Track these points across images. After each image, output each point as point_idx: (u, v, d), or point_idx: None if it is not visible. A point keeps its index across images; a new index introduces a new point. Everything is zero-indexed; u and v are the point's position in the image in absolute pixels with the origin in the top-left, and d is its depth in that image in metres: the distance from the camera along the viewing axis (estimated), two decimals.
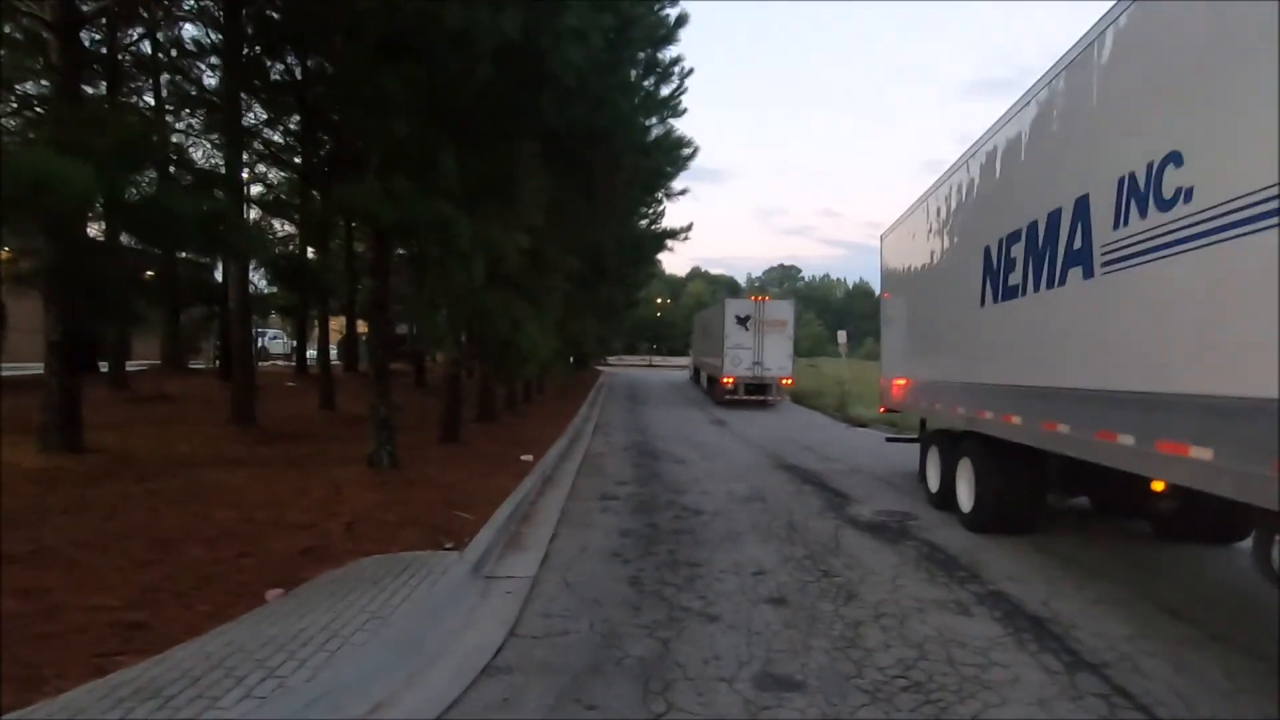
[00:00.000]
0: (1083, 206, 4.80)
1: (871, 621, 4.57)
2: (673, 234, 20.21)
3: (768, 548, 6.33)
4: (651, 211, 20.41)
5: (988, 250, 6.50)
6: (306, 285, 13.48)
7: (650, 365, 64.10)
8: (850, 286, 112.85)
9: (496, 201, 7.91)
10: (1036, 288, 5.45)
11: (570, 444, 13.56)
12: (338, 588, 4.47)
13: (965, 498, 7.30)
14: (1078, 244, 4.86)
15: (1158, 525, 6.90)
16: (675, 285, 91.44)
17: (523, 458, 10.37)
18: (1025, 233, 5.66)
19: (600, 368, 53.11)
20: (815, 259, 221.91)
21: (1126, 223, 4.30)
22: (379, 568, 4.90)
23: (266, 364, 26.84)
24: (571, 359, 40.13)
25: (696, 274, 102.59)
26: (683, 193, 14.27)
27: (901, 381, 10.08)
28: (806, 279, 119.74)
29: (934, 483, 8.39)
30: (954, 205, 7.52)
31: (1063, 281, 5.09)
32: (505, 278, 12.03)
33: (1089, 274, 4.79)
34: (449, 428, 10.79)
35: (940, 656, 4.05)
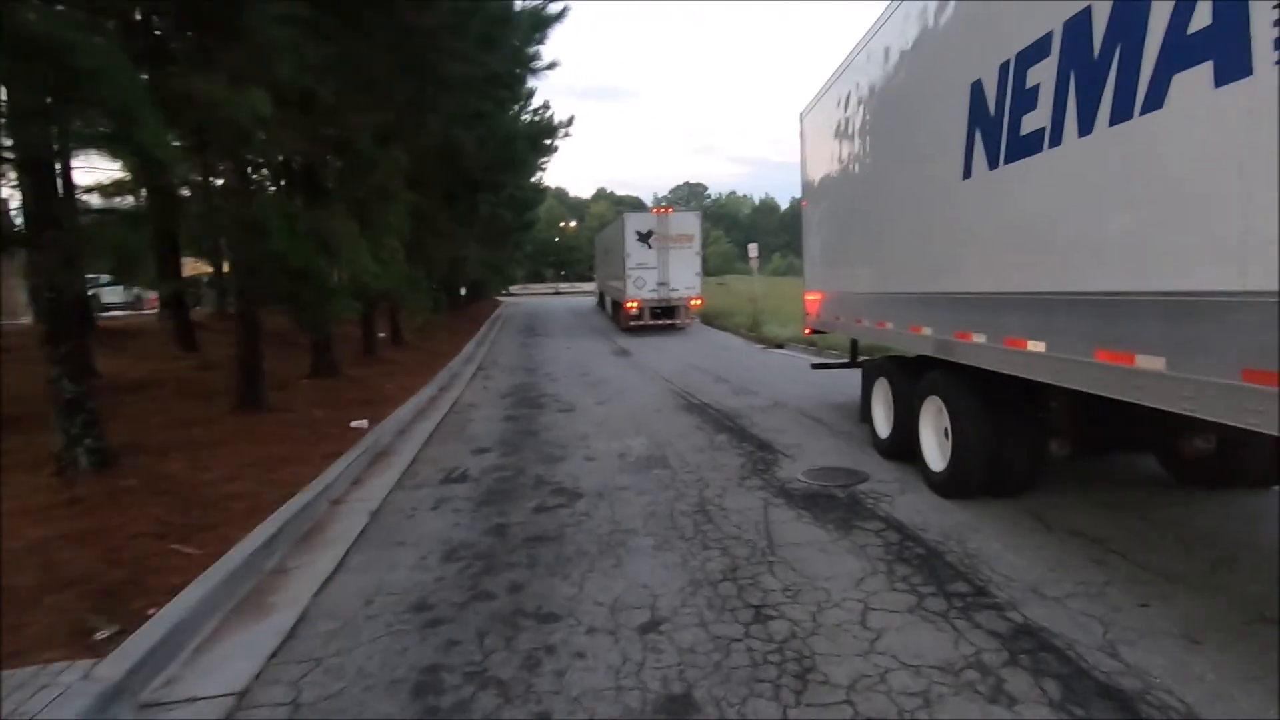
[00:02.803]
0: None
1: None
2: (551, 130, 17.06)
3: (667, 562, 4.16)
4: (524, 106, 17.13)
5: (977, 88, 4.28)
6: None
7: (556, 293, 60.88)
8: (757, 202, 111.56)
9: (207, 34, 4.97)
10: (1085, 130, 3.27)
11: (437, 395, 11.00)
12: None
13: (935, 452, 5.36)
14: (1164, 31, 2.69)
15: (1184, 470, 5.22)
16: (579, 207, 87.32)
17: (354, 424, 7.78)
18: (1061, 34, 3.43)
19: (500, 299, 49.65)
20: (722, 177, 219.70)
21: None
22: None
23: None
24: (463, 291, 36.76)
25: (601, 195, 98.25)
26: (550, 67, 11.34)
27: (833, 295, 8.02)
28: (714, 196, 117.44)
29: (883, 426, 6.46)
30: (916, 34, 5.21)
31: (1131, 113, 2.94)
32: (311, 184, 9.00)
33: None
34: (248, 390, 7.97)
35: None
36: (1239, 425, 2.47)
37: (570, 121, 16.67)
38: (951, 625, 3.29)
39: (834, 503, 5.15)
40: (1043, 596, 3.54)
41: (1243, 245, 2.42)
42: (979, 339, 4.43)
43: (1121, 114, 3.00)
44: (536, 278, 71.99)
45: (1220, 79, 2.49)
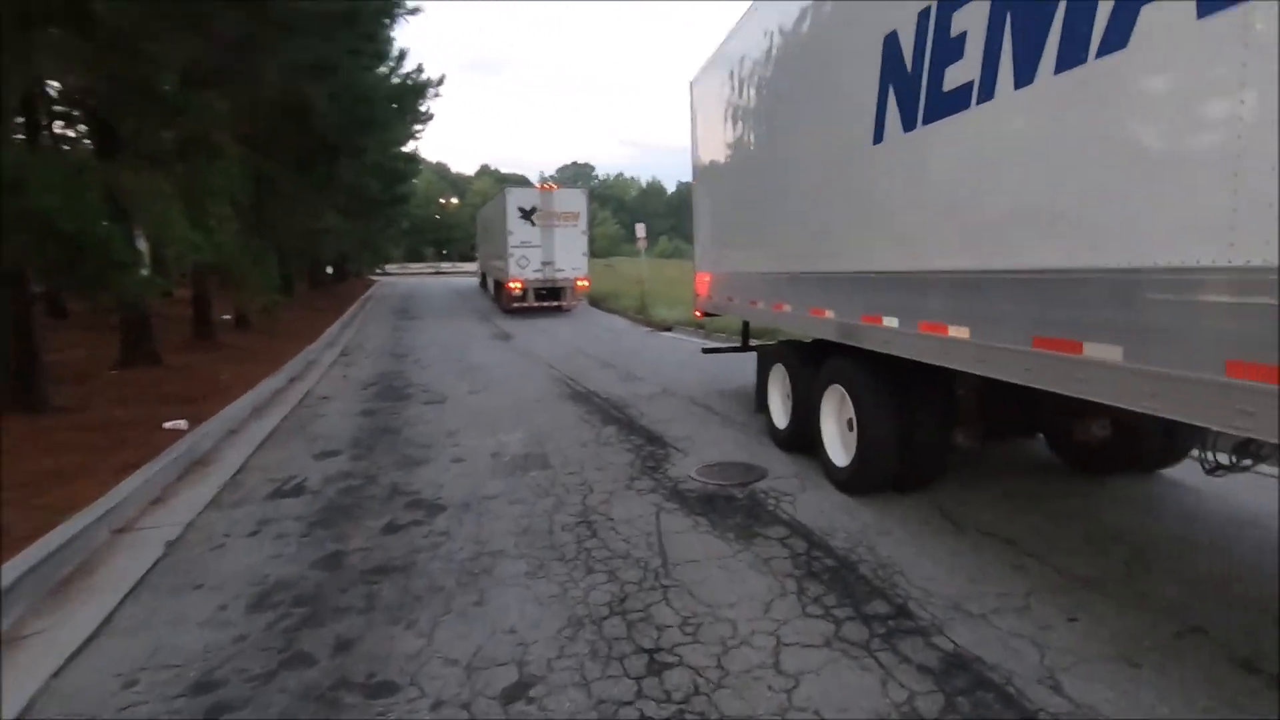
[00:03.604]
0: None
1: None
2: (419, 90, 15.38)
3: (542, 594, 3.43)
4: (394, 70, 15.41)
5: (892, 41, 3.78)
6: None
7: (437, 273, 57.85)
8: (644, 185, 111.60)
9: None
10: (1024, 80, 2.81)
11: (285, 386, 9.59)
12: None
13: (838, 445, 4.95)
14: None
15: (1075, 455, 5.12)
16: (460, 183, 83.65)
17: (168, 425, 6.44)
18: None
19: (374, 278, 46.46)
20: (610, 159, 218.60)
21: None
22: None
23: None
24: (329, 269, 33.86)
25: (485, 172, 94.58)
26: (413, 12, 10.05)
27: (725, 276, 7.53)
28: (601, 178, 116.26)
29: (781, 416, 6.03)
30: None
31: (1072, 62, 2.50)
32: (105, 133, 7.35)
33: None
34: (19, 386, 6.38)
35: None
36: (1222, 429, 2.07)
37: (441, 81, 15.09)
38: (876, 661, 2.79)
39: (733, 505, 4.61)
40: (968, 615, 3.13)
41: (1230, 213, 1.99)
42: (890, 323, 3.99)
43: (1072, 59, 2.54)
44: (415, 256, 68.23)
45: (1206, 7, 2.04)
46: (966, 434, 4.61)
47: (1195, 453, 3.81)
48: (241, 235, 9.46)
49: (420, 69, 16.48)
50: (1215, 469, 3.63)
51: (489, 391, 8.96)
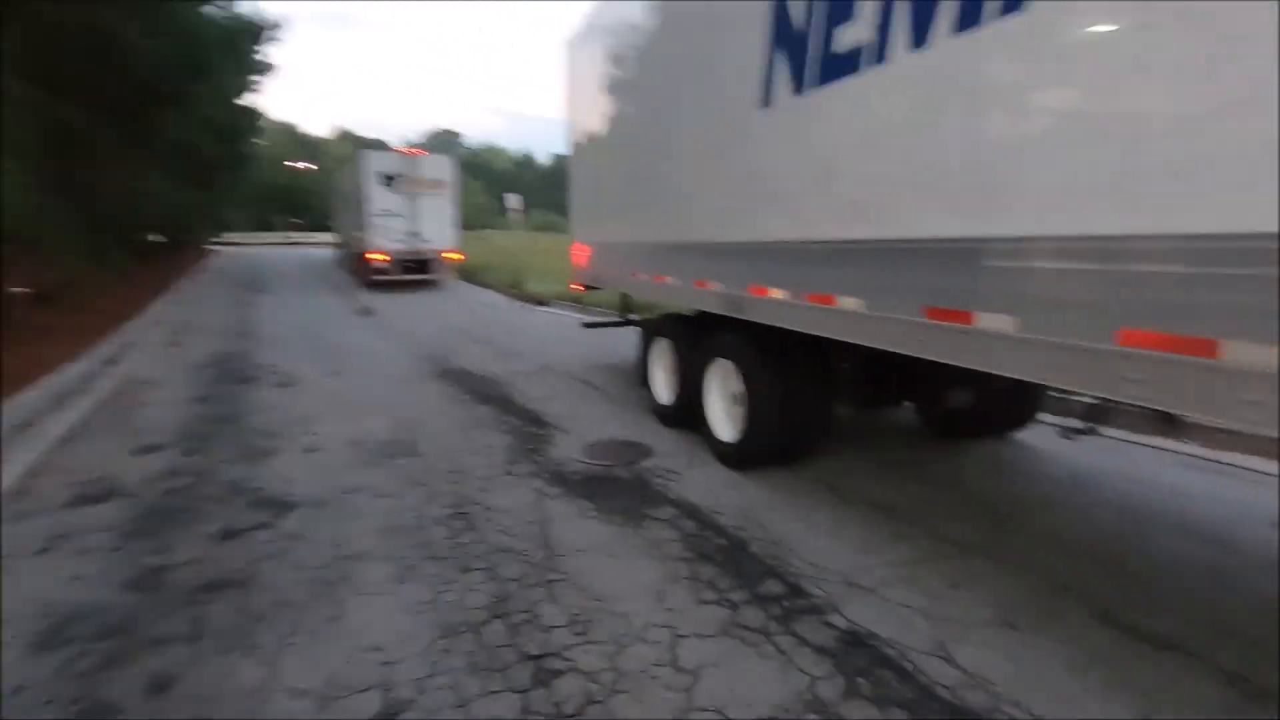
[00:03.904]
0: None
1: None
2: (253, 30, 13.56)
3: (411, 600, 3.04)
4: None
5: (780, 5, 3.62)
6: None
7: (289, 243, 53.12)
8: (517, 156, 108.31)
9: None
10: (920, 41, 2.72)
11: (97, 370, 8.24)
12: None
13: (723, 420, 4.86)
14: None
15: (941, 421, 5.36)
16: (314, 147, 77.05)
17: None
18: None
19: (216, 248, 41.86)
20: (479, 128, 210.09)
21: None
22: None
23: None
24: (159, 237, 30.01)
25: (342, 135, 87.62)
26: None
27: (605, 247, 7.25)
28: (470, 147, 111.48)
29: (665, 391, 5.89)
30: None
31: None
32: None
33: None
34: None
35: None
36: (1112, 397, 2.08)
37: (280, 26, 13.46)
38: (775, 646, 2.68)
39: (619, 487, 4.40)
40: (859, 588, 3.11)
41: (1126, 178, 1.97)
42: (778, 295, 3.90)
43: (970, 19, 2.47)
44: (265, 226, 62.14)
45: None
46: (848, 405, 4.66)
47: (1050, 419, 4.03)
48: (35, 192, 7.97)
49: (259, 12, 14.67)
50: (1069, 433, 3.86)
51: (349, 373, 8.18)
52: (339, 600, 3.02)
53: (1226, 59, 1.73)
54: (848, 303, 3.29)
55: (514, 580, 3.19)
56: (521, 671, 2.52)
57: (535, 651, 2.63)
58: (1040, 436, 5.21)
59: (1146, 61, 1.91)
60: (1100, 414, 3.71)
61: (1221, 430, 4.93)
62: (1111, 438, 4.96)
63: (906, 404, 5.69)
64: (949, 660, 2.58)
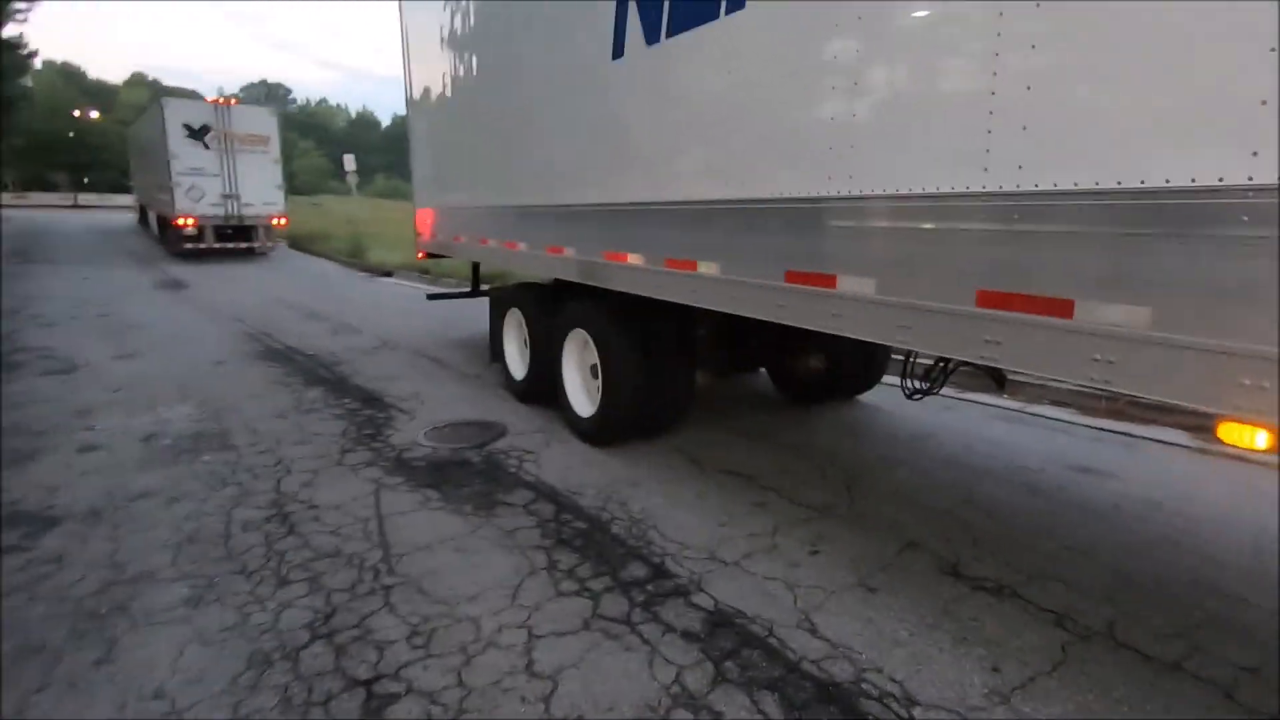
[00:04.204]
0: None
1: None
2: None
3: (211, 628, 2.53)
4: None
5: None
6: None
7: (76, 206, 45.58)
8: (354, 115, 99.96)
9: None
10: None
11: None
12: None
13: (581, 394, 4.62)
14: None
15: (793, 386, 5.46)
16: (105, 94, 66.40)
17: None
18: None
19: None
20: (310, 82, 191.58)
21: None
22: None
23: None
24: None
25: (139, 81, 76.08)
26: None
27: (451, 211, 6.68)
28: (300, 102, 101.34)
29: (519, 366, 5.54)
30: None
31: None
32: None
33: None
34: None
35: None
36: (970, 360, 2.05)
37: None
38: (640, 636, 2.49)
39: (469, 471, 4.03)
40: (722, 564, 3.01)
41: (986, 135, 1.91)
42: (636, 261, 3.67)
43: None
44: (44, 185, 52.83)
45: None
46: (707, 373, 4.58)
47: (897, 380, 4.17)
48: None
49: None
50: (914, 393, 4.01)
51: (148, 355, 7.02)
52: (111, 638, 2.45)
53: (1049, 36, 1.69)
54: (708, 268, 3.13)
55: (343, 591, 2.76)
56: (349, 702, 2.14)
57: (366, 675, 2.26)
58: (882, 397, 5.47)
59: (1000, 30, 1.84)
60: (941, 374, 3.87)
61: (1037, 385, 5.43)
62: (946, 396, 5.29)
63: (762, 370, 5.81)
64: (814, 631, 2.53)
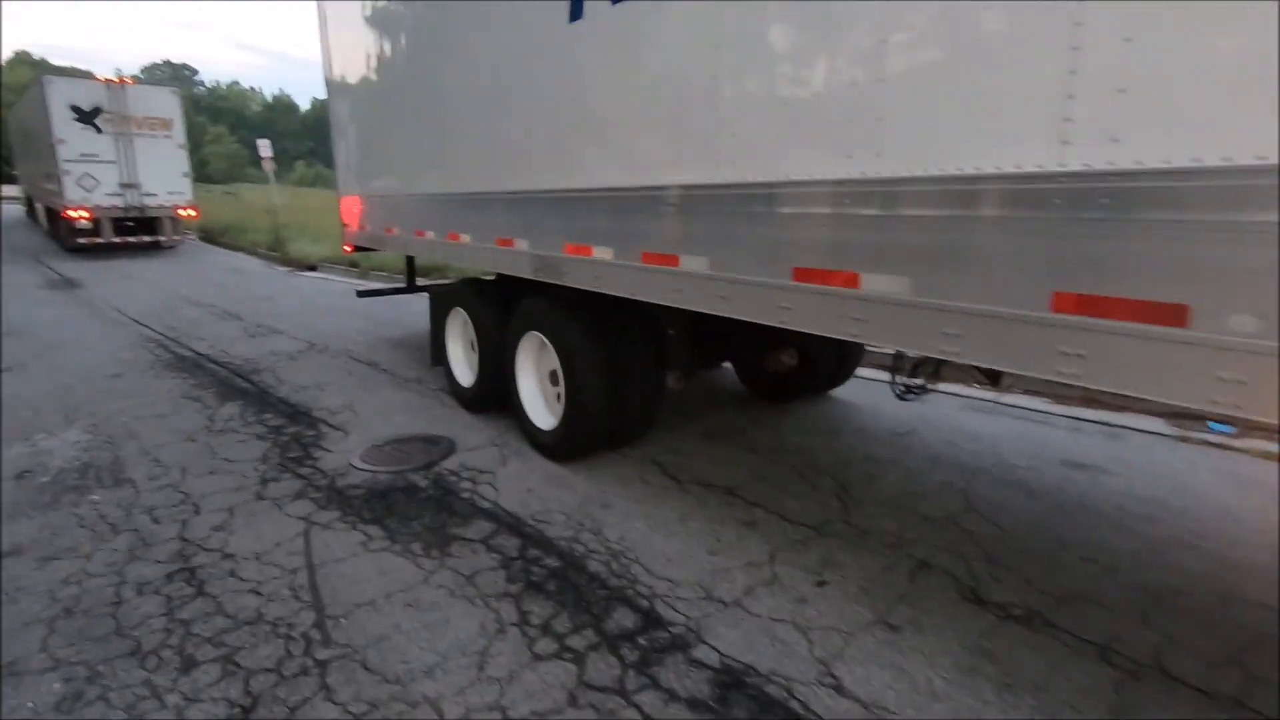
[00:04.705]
0: None
1: None
2: None
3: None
4: None
5: None
6: None
7: None
8: (270, 99, 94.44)
9: None
10: None
11: None
12: None
13: (540, 404, 4.14)
14: None
15: (761, 384, 5.13)
16: None
17: None
18: None
19: None
20: (221, 64, 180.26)
21: None
22: None
23: None
24: None
25: (23, 60, 69.53)
26: None
27: (381, 200, 6.03)
28: (209, 85, 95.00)
29: (465, 371, 5.00)
30: None
31: None
32: None
33: None
34: None
35: None
36: (1045, 377, 1.70)
37: None
38: (639, 711, 2.08)
39: (416, 500, 3.51)
40: (722, 604, 2.62)
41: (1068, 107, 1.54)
42: (603, 254, 3.21)
43: None
44: None
45: None
46: (676, 377, 4.18)
47: (887, 379, 3.86)
48: None
49: None
50: (905, 394, 3.71)
51: (29, 367, 6.11)
52: None
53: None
54: (693, 263, 2.71)
55: (267, 671, 2.24)
56: None
57: None
58: (853, 391, 5.20)
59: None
60: (934, 372, 3.58)
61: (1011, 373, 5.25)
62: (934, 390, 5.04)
63: (727, 366, 5.46)
64: (839, 689, 2.17)
